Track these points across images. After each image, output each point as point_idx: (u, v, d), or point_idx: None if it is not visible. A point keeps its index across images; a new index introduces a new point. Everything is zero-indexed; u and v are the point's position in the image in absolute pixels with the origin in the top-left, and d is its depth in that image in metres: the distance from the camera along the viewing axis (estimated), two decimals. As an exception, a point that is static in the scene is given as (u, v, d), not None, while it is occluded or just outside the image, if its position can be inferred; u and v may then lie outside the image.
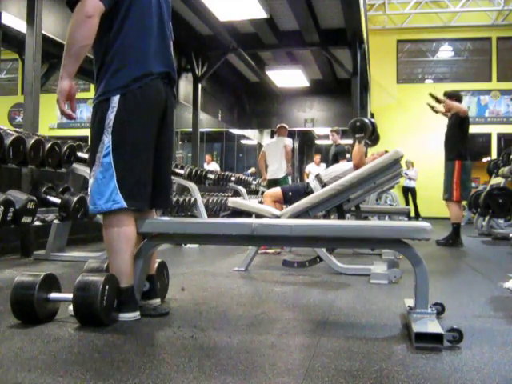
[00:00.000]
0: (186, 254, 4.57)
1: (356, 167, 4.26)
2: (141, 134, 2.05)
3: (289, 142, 7.52)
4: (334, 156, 7.69)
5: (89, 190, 2.06)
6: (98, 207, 2.00)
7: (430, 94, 5.67)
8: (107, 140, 2.00)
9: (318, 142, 17.25)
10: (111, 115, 1.99)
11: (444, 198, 5.61)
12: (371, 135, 4.33)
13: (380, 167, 3.21)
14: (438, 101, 5.65)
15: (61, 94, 1.96)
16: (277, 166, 7.27)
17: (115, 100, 2.00)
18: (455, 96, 5.67)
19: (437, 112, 5.86)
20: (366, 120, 4.30)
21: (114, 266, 2.01)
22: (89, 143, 2.12)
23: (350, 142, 8.37)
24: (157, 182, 2.14)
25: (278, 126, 7.76)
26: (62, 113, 2.00)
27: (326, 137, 15.61)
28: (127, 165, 2.01)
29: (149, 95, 2.05)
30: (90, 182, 2.05)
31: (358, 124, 4.22)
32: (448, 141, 5.63)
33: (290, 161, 7.43)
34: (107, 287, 1.88)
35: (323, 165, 8.75)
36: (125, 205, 1.99)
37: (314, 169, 8.86)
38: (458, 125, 5.53)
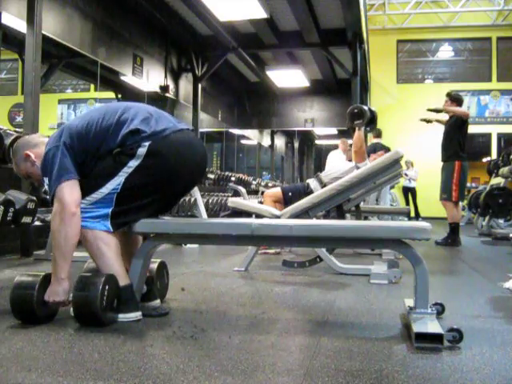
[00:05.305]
0: (186, 254, 4.57)
1: (356, 154, 4.28)
2: (160, 192, 2.04)
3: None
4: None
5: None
6: (83, 223, 1.96)
7: (429, 110, 5.73)
8: (118, 182, 1.96)
9: (317, 142, 17.24)
10: (134, 163, 1.96)
11: (441, 198, 5.63)
12: (370, 123, 4.34)
13: (380, 167, 3.20)
14: (439, 111, 5.71)
15: (66, 294, 1.94)
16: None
17: (142, 150, 1.95)
18: (456, 100, 5.70)
19: (430, 122, 5.95)
20: (364, 107, 4.31)
21: (103, 269, 2.00)
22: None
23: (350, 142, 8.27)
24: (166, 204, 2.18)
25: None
26: (64, 306, 1.97)
27: (326, 137, 15.60)
28: (131, 209, 2.00)
29: (181, 148, 2.03)
30: (82, 201, 1.97)
31: (355, 111, 4.24)
32: (447, 141, 5.65)
33: None
34: (107, 287, 1.88)
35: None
36: (111, 229, 1.99)
37: (337, 157, 7.27)
38: (459, 126, 5.56)
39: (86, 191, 2.00)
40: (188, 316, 2.11)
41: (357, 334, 1.88)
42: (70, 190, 1.92)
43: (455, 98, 5.70)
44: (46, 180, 1.97)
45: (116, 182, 1.97)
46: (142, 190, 2.00)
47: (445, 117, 5.83)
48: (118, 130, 1.99)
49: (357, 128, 4.29)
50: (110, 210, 1.98)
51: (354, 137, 4.36)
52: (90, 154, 2.01)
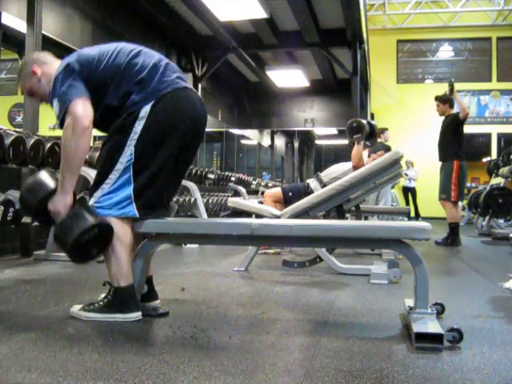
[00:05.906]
0: (186, 254, 4.57)
1: (355, 168, 4.26)
2: (168, 148, 2.01)
3: None
4: None
5: (97, 193, 2.00)
6: (107, 211, 1.97)
7: (450, 82, 5.59)
8: (129, 152, 1.97)
9: (317, 142, 17.23)
10: (138, 128, 1.96)
11: (440, 198, 5.62)
12: (370, 136, 4.33)
13: (380, 167, 3.21)
14: (452, 92, 5.59)
15: (65, 208, 1.95)
16: None
17: (144, 110, 1.96)
18: (448, 100, 5.67)
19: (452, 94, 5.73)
20: (363, 120, 4.30)
21: (111, 266, 2.00)
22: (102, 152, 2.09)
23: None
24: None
25: None
26: (57, 217, 1.98)
27: (326, 137, 15.59)
28: (149, 179, 1.99)
29: (180, 102, 2.03)
30: (102, 187, 1.99)
31: (354, 125, 4.23)
32: (444, 141, 5.63)
33: None
34: (95, 230, 1.89)
35: None
36: (137, 214, 1.98)
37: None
38: (456, 125, 5.54)
39: (102, 176, 2.00)
40: (188, 316, 2.11)
41: (357, 334, 1.88)
42: (82, 105, 1.92)
43: (445, 99, 5.66)
44: (55, 102, 1.96)
45: (128, 154, 1.97)
46: (153, 149, 1.99)
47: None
48: (128, 72, 1.99)
49: (356, 142, 4.28)
50: (131, 189, 1.96)
51: (352, 151, 4.34)
52: (100, 89, 1.99)
